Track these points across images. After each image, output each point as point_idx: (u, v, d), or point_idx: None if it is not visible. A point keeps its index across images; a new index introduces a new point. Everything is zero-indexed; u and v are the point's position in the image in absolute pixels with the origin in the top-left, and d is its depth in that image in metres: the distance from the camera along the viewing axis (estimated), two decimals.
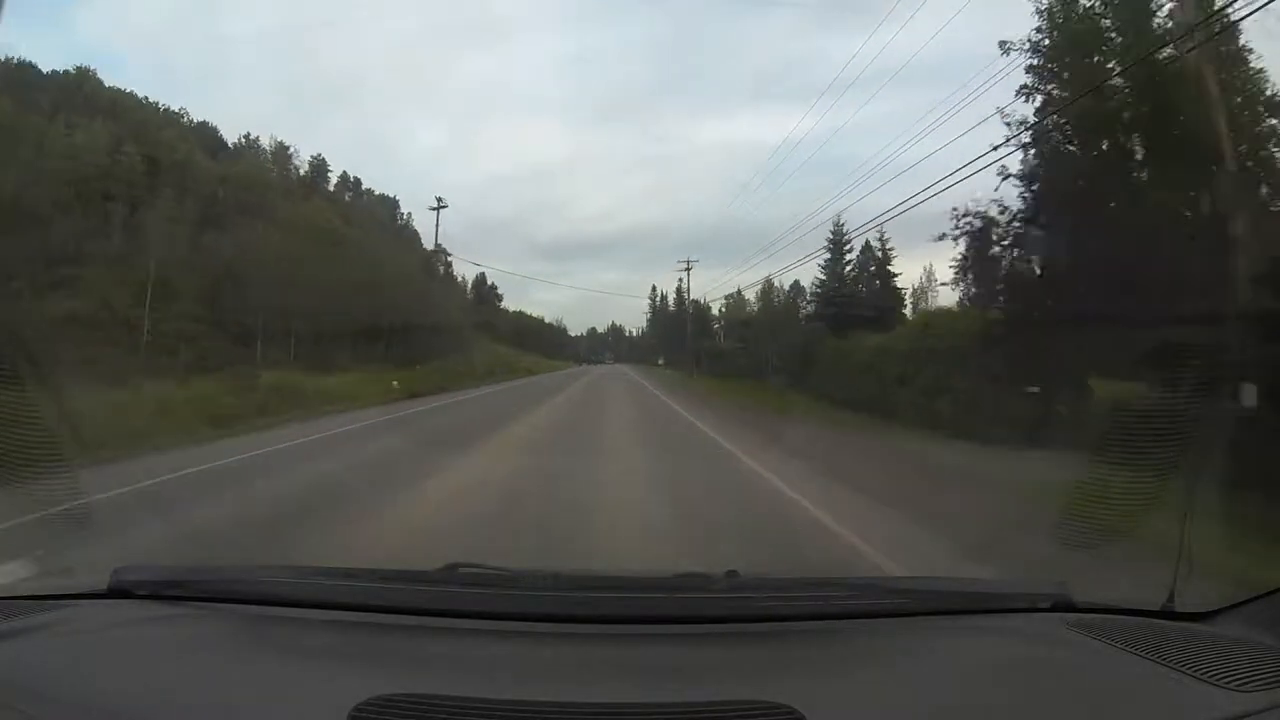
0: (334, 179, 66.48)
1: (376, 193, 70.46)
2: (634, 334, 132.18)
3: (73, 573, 2.12)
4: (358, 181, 69.39)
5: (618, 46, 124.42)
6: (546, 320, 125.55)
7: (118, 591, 1.77)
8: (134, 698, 1.32)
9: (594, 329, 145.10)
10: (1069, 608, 1.76)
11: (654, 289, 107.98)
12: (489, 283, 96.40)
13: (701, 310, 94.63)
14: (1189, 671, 1.37)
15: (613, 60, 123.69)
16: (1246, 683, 1.31)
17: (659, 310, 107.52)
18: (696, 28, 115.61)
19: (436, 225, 43.98)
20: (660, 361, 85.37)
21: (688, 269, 55.70)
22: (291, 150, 58.49)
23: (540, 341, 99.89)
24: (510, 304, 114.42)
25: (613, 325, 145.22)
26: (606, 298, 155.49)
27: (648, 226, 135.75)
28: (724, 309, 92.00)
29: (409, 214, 72.96)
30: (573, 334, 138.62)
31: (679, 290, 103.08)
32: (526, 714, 1.21)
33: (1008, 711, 1.36)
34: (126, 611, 1.73)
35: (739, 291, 74.45)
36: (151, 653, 1.54)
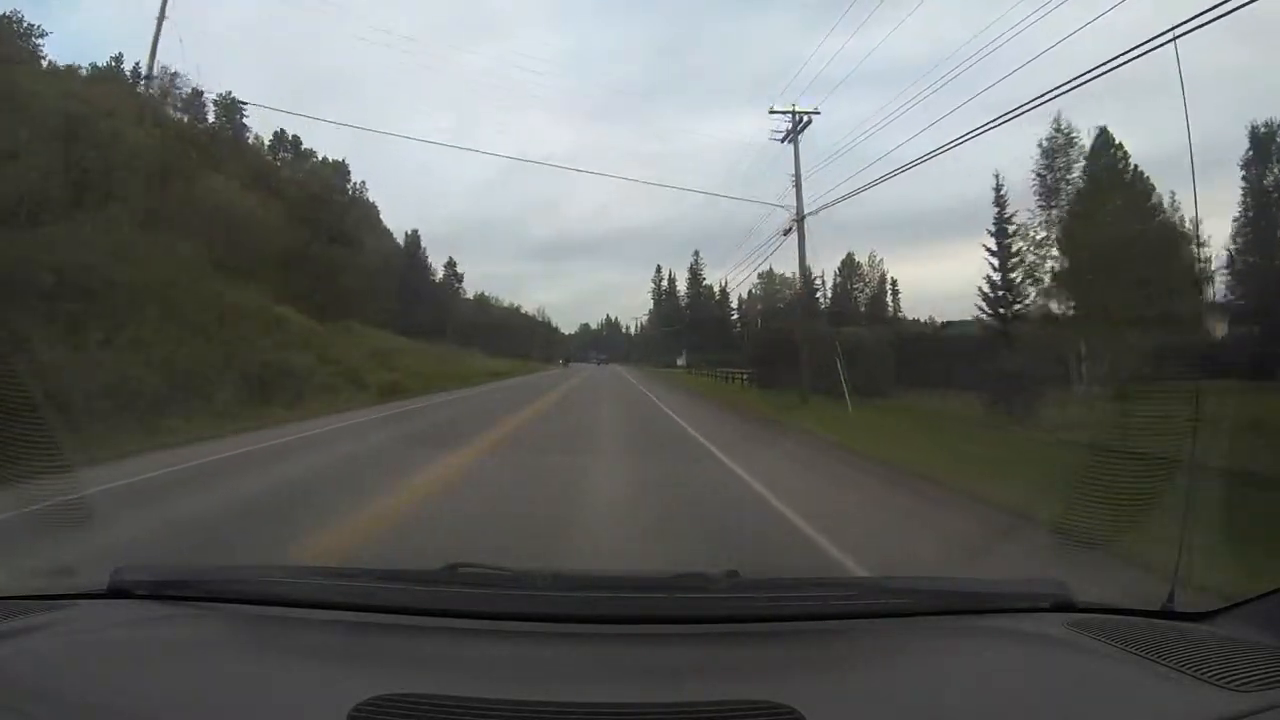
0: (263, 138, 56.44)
1: (320, 156, 61.43)
2: (631, 329, 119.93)
3: (73, 573, 2.11)
4: (296, 140, 60.80)
5: (614, 46, 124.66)
6: (526, 311, 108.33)
7: (117, 591, 1.77)
8: (134, 698, 1.32)
9: (587, 324, 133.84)
10: (1069, 608, 1.76)
11: (659, 271, 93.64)
12: (431, 253, 74.86)
13: (708, 298, 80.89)
14: (1189, 671, 1.37)
15: (609, 59, 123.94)
16: (1246, 683, 1.31)
17: (667, 299, 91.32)
18: (693, 28, 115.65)
19: (155, 42, 22.83)
20: (680, 362, 67.24)
21: (795, 127, 22.61)
22: (196, 89, 46.56)
23: (504, 338, 78.91)
24: (512, 301, 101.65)
25: (608, 319, 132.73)
26: (602, 293, 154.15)
27: (644, 225, 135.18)
28: (749, 296, 76.73)
29: (361, 183, 65.29)
30: (566, 332, 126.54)
31: (692, 270, 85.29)
32: (526, 714, 1.21)
33: (1008, 712, 1.36)
34: (126, 611, 1.73)
35: (770, 271, 64.78)
36: (151, 653, 1.54)
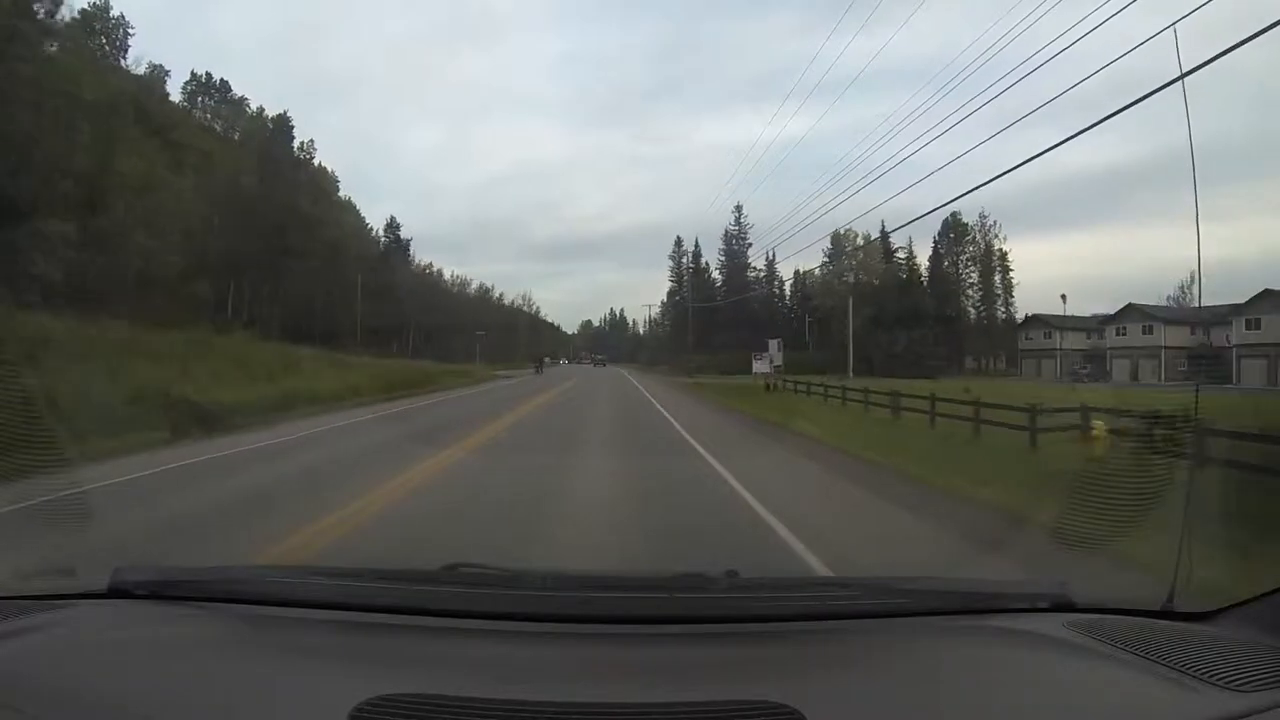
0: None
1: (257, 107, 50.54)
2: (639, 323, 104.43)
3: (73, 573, 2.11)
4: (223, 85, 49.84)
5: (614, 47, 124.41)
6: (507, 300, 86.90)
7: (117, 591, 1.77)
8: (134, 698, 1.32)
9: (589, 321, 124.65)
10: (1069, 608, 1.76)
11: (678, 245, 71.25)
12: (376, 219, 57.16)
13: (741, 270, 58.43)
14: (1189, 671, 1.37)
15: (609, 61, 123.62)
16: (1246, 683, 1.31)
17: (691, 278, 66.73)
18: (693, 29, 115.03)
19: None
20: (761, 368, 35.13)
21: None
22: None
23: (456, 332, 58.82)
24: (485, 284, 78.76)
25: (612, 314, 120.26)
26: (607, 293, 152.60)
27: (645, 225, 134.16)
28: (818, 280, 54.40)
29: (310, 142, 54.28)
30: (568, 330, 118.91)
31: (730, 238, 62.33)
32: (526, 714, 1.21)
33: (1007, 712, 1.36)
34: (126, 611, 1.73)
35: (845, 232, 45.54)
36: (151, 653, 1.54)
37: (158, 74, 45.84)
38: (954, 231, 53.67)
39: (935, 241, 56.04)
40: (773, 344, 37.08)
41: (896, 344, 48.03)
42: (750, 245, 63.92)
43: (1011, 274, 56.61)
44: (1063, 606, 1.76)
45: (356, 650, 1.53)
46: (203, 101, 50.92)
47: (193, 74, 50.32)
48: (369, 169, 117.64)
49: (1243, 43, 7.89)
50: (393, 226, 61.69)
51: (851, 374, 37.76)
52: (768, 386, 31.65)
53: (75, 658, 1.48)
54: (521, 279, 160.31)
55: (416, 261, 67.50)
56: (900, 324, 49.44)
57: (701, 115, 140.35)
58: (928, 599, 1.82)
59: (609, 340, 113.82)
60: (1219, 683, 1.32)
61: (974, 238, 56.23)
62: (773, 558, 5.24)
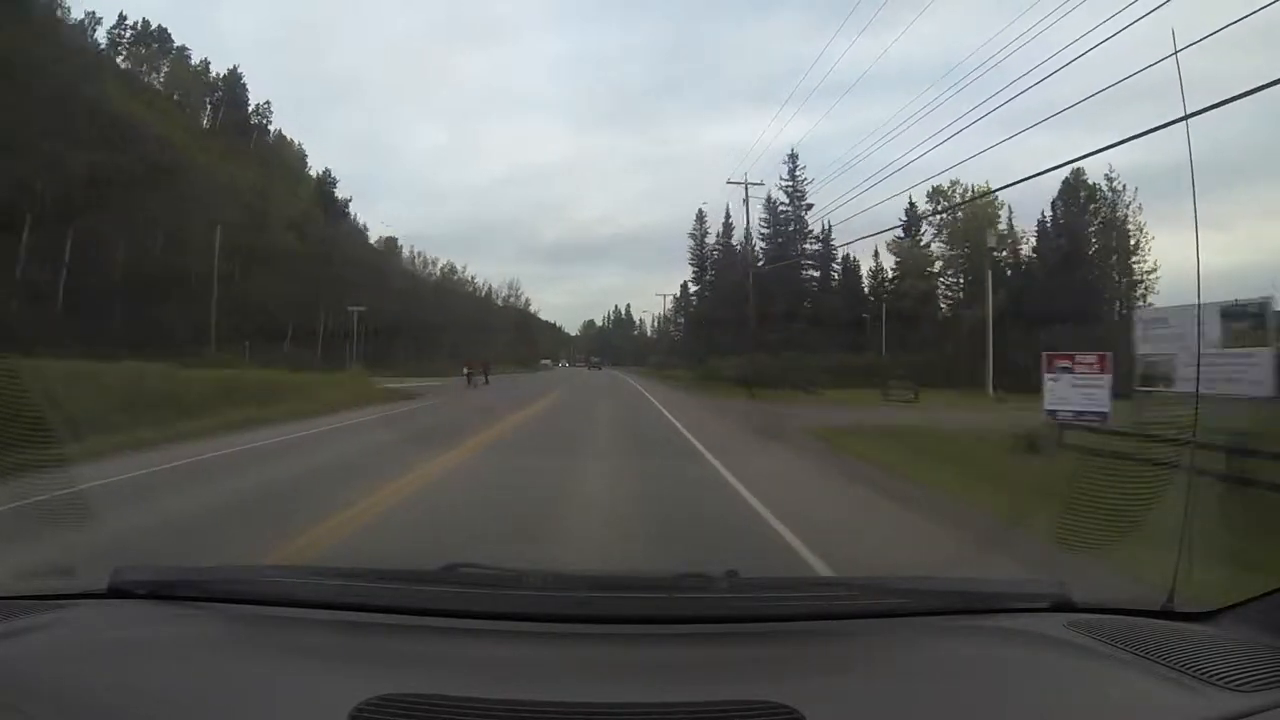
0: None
1: (201, 60, 43.26)
2: (647, 321, 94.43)
3: (73, 573, 2.12)
4: (162, 32, 43.37)
5: (615, 48, 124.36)
6: (475, 283, 65.77)
7: (117, 591, 1.77)
8: (134, 698, 1.32)
9: (591, 321, 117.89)
10: (1068, 607, 1.76)
11: (701, 220, 54.65)
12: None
13: (793, 232, 39.39)
14: (1189, 671, 1.37)
15: (611, 62, 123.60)
16: (1246, 683, 1.31)
17: (720, 257, 51.57)
18: (695, 29, 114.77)
19: None
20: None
21: None
22: None
23: (406, 329, 43.92)
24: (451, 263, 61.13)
25: (616, 313, 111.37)
26: (612, 294, 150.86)
27: (648, 228, 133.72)
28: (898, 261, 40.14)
29: (266, 104, 48.74)
30: (570, 332, 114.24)
31: (772, 205, 41.59)
32: (526, 714, 1.21)
33: (1007, 712, 1.36)
34: (126, 611, 1.73)
35: (948, 186, 33.64)
36: (151, 653, 1.54)
37: (86, 20, 39.46)
38: (1075, 196, 38.86)
39: (1053, 207, 40.31)
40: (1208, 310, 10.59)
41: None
42: (810, 206, 43.70)
43: (1135, 258, 41.46)
44: (1063, 606, 1.76)
45: (356, 650, 1.53)
46: (137, 50, 44.97)
47: (120, 16, 43.07)
48: (370, 170, 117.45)
49: None
50: (327, 181, 46.78)
51: (992, 389, 26.37)
52: (1030, 444, 11.65)
53: (75, 658, 1.48)
54: (524, 281, 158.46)
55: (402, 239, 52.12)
56: (1058, 317, 31.18)
57: (705, 117, 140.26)
58: (928, 599, 1.82)
59: (613, 341, 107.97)
60: (1219, 683, 1.32)
61: (1111, 204, 40.45)
62: (773, 558, 5.31)
